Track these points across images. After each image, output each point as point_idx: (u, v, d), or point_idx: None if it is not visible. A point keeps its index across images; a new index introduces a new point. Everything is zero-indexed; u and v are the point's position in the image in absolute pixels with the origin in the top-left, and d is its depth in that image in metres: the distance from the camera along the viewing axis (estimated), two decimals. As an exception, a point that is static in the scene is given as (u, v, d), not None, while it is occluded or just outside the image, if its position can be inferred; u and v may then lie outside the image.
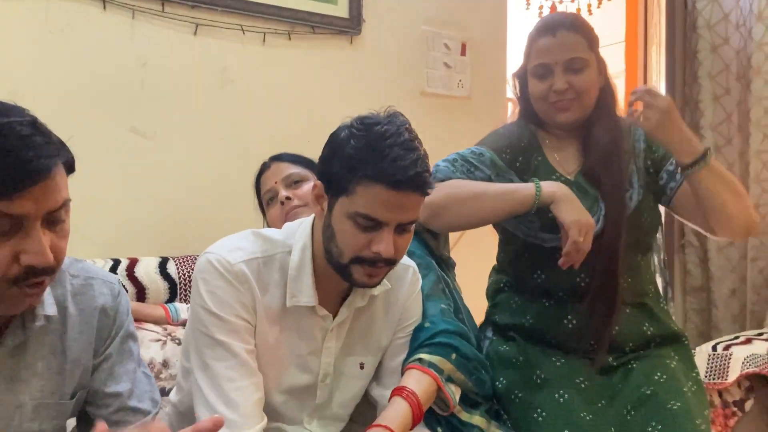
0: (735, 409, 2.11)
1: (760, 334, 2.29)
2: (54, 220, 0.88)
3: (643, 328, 1.50)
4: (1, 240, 0.84)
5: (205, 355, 1.11)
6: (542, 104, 1.52)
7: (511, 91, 1.64)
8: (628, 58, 4.29)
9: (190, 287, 1.79)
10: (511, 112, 1.54)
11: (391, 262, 1.12)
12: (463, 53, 2.53)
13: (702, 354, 2.14)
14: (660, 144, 1.48)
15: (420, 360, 1.24)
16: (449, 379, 1.26)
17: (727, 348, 2.16)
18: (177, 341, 1.68)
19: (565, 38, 1.47)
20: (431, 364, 1.24)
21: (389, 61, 2.38)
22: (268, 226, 1.65)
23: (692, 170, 1.41)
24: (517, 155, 1.53)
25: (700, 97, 2.90)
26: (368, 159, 1.05)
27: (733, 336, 2.30)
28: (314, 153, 1.26)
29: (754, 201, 2.74)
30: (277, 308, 1.16)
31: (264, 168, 1.68)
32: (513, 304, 1.56)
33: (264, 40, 2.09)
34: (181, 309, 1.72)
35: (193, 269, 1.81)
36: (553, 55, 1.47)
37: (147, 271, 1.74)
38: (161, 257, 1.79)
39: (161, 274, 1.75)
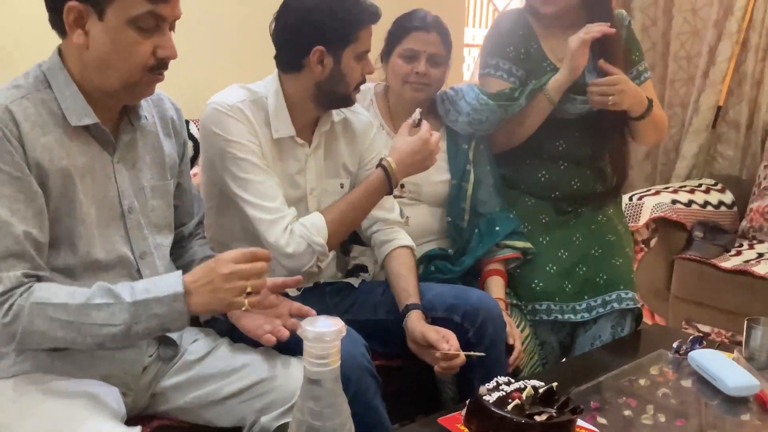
0: (643, 246, 2.66)
1: (667, 188, 2.81)
2: (172, 27, 1.16)
3: (596, 186, 1.94)
4: (146, 36, 1.11)
5: (237, 173, 1.45)
6: None
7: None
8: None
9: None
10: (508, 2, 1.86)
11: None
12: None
13: (620, 203, 2.64)
14: (624, 108, 1.78)
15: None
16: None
17: (640, 198, 2.67)
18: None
19: None
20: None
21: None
22: (386, 73, 1.84)
23: (638, 120, 1.82)
24: (519, 48, 1.84)
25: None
26: (358, 10, 1.44)
27: (645, 189, 2.81)
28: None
29: (671, 75, 3.19)
30: (268, 141, 1.51)
31: (421, 26, 1.75)
32: (497, 161, 1.94)
33: None
34: None
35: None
36: None
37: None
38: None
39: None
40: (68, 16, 1.09)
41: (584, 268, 1.86)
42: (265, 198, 1.45)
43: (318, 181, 1.60)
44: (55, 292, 1.06)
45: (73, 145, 1.14)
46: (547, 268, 1.84)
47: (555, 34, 1.85)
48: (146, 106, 1.28)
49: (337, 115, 1.61)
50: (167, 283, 1.09)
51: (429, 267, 1.79)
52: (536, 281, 1.83)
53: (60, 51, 1.16)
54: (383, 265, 1.66)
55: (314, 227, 1.46)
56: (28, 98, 1.11)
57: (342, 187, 1.64)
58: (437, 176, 1.83)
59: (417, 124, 1.58)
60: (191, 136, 2.03)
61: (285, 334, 1.20)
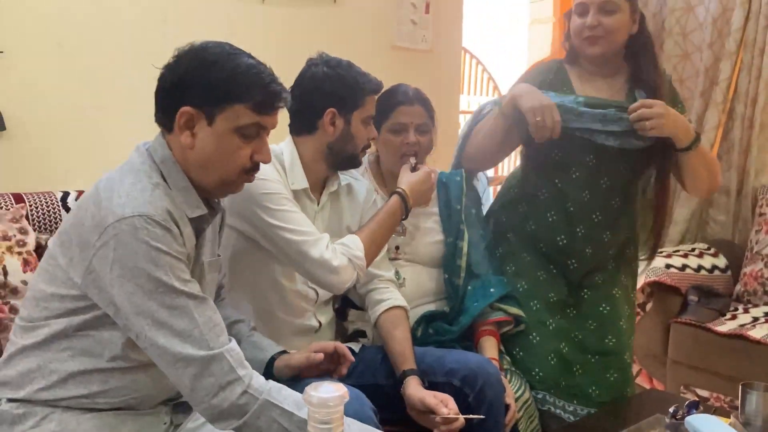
0: (639, 310, 2.68)
1: (661, 252, 2.85)
2: (268, 134, 1.25)
3: (609, 254, 1.95)
4: (246, 143, 1.21)
5: (272, 206, 1.53)
6: (577, 38, 1.81)
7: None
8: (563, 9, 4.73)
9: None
10: (547, 55, 1.89)
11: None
12: (426, 11, 2.90)
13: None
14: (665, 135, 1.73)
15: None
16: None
17: (635, 262, 2.70)
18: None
19: None
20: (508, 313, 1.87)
21: (366, 17, 2.72)
22: (376, 146, 1.90)
23: (686, 153, 1.76)
24: (546, 90, 1.81)
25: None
26: (364, 80, 1.61)
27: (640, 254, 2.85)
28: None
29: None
30: (287, 190, 1.60)
31: (405, 101, 1.83)
32: (521, 209, 1.95)
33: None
34: None
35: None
36: None
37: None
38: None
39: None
40: (180, 118, 1.18)
41: (580, 371, 1.86)
42: (302, 225, 1.54)
43: None
44: (285, 397, 1.15)
45: (185, 233, 1.20)
46: (549, 358, 1.84)
47: (593, 81, 1.85)
48: None
49: (342, 179, 1.73)
50: None
51: (427, 329, 1.82)
52: (537, 369, 1.83)
53: (166, 142, 1.22)
54: (376, 325, 1.70)
55: (353, 244, 1.57)
56: (168, 195, 1.18)
57: None
58: (431, 237, 1.91)
59: (414, 168, 1.76)
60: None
61: (320, 357, 1.41)
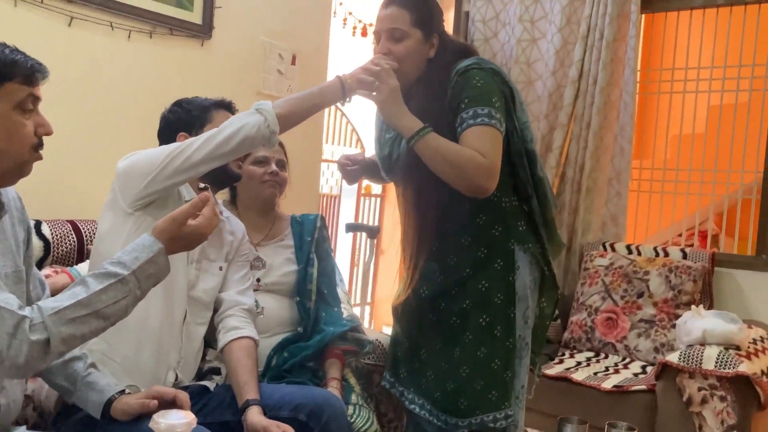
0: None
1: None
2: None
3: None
4: (27, 118, 1.23)
5: None
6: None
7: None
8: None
9: (61, 248, 2.08)
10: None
11: None
12: (293, 63, 3.02)
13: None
14: (386, 121, 1.77)
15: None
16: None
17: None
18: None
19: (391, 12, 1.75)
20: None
21: (233, 64, 2.79)
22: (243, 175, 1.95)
23: (411, 144, 1.68)
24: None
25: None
26: (207, 102, 1.86)
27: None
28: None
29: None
30: None
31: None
32: None
33: (129, 36, 2.41)
34: (82, 270, 2.00)
35: (62, 232, 2.11)
36: (379, 24, 1.79)
37: (24, 231, 2.00)
38: (35, 219, 2.05)
39: (37, 235, 2.02)
40: None
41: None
42: None
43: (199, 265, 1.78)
44: (58, 299, 1.17)
45: None
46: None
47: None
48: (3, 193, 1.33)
49: (225, 213, 1.88)
50: (147, 245, 1.27)
51: (282, 354, 1.89)
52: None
53: None
54: (224, 350, 1.74)
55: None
56: None
57: (220, 269, 1.82)
58: (287, 268, 2.05)
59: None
60: (43, 237, 2.04)
61: (154, 405, 1.38)
